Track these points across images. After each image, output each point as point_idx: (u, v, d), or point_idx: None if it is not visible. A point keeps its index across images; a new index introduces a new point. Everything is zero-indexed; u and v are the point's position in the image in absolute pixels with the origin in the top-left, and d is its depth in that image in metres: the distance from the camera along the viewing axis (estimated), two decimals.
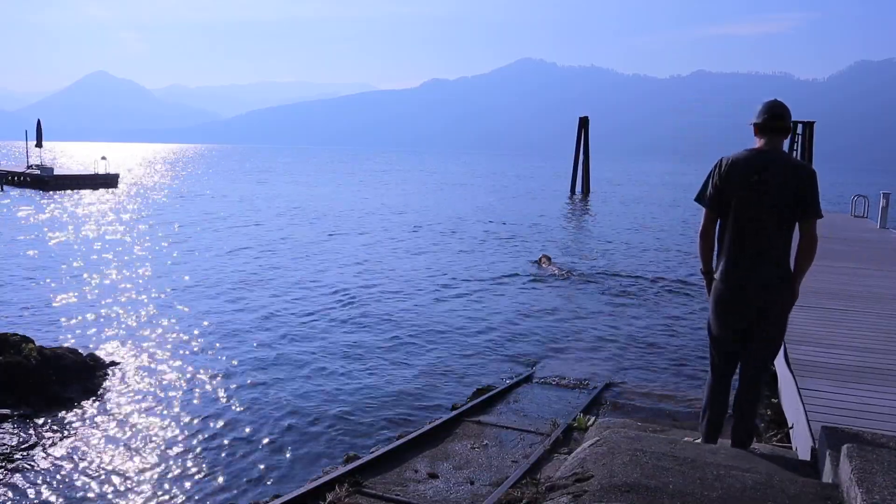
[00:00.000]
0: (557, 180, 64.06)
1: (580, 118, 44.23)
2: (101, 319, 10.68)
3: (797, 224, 3.72)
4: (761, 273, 3.70)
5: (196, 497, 5.41)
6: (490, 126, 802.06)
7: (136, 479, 5.65)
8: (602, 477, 3.21)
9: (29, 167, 40.65)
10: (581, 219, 32.80)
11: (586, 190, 45.61)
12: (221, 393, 7.69)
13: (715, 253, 3.92)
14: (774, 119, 3.74)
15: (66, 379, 7.38)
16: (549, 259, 17.29)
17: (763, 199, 3.64)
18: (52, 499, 5.29)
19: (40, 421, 6.59)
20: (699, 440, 4.15)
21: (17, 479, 5.52)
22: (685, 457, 3.49)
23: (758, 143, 3.81)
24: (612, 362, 9.12)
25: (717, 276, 3.88)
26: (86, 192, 36.00)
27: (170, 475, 5.74)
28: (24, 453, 5.92)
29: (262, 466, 5.96)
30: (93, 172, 42.39)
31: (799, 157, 28.17)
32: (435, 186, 54.27)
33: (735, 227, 3.74)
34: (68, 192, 35.77)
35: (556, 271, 16.12)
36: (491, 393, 7.18)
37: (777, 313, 3.76)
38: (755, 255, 3.70)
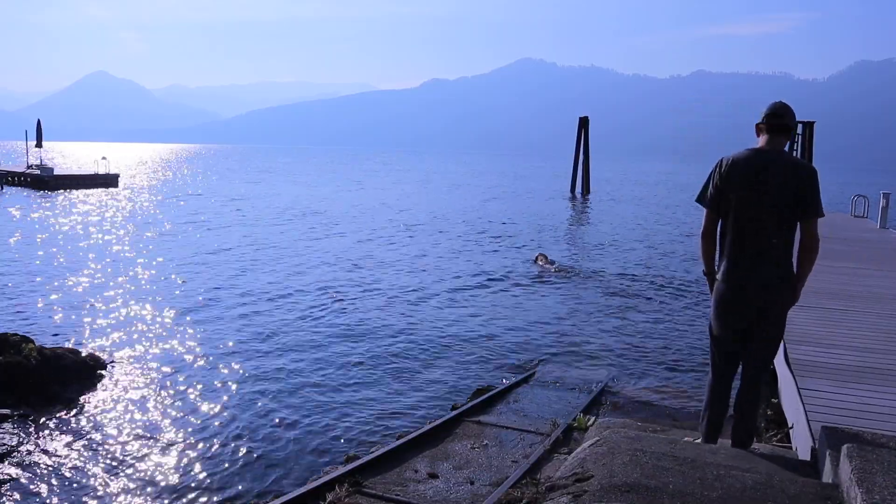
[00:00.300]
0: (557, 180, 64.03)
1: (580, 118, 44.23)
2: (101, 319, 10.68)
3: (798, 224, 3.72)
4: (761, 273, 3.70)
5: (196, 497, 5.41)
6: (490, 126, 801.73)
7: (135, 478, 5.65)
8: (602, 477, 3.20)
9: (29, 167, 40.65)
10: (580, 218, 32.82)
11: (586, 190, 45.62)
12: (221, 393, 7.69)
13: (717, 253, 3.93)
14: (774, 118, 3.75)
15: (66, 379, 7.38)
16: (545, 258, 17.30)
17: (763, 198, 3.64)
18: (52, 498, 5.29)
19: (40, 421, 6.59)
20: (699, 440, 4.15)
21: (18, 479, 5.52)
22: (685, 457, 3.49)
23: (759, 142, 3.81)
24: (611, 362, 9.11)
25: (718, 276, 3.88)
26: (86, 192, 35.99)
27: (169, 475, 5.74)
28: (25, 453, 5.92)
29: (262, 466, 5.95)
30: (93, 172, 42.40)
31: (799, 157, 28.13)
32: (434, 187, 54.26)
33: (735, 227, 3.75)
34: (68, 192, 35.78)
35: (554, 270, 16.13)
36: (491, 393, 7.17)
37: (777, 313, 3.76)
38: (755, 255, 3.70)
